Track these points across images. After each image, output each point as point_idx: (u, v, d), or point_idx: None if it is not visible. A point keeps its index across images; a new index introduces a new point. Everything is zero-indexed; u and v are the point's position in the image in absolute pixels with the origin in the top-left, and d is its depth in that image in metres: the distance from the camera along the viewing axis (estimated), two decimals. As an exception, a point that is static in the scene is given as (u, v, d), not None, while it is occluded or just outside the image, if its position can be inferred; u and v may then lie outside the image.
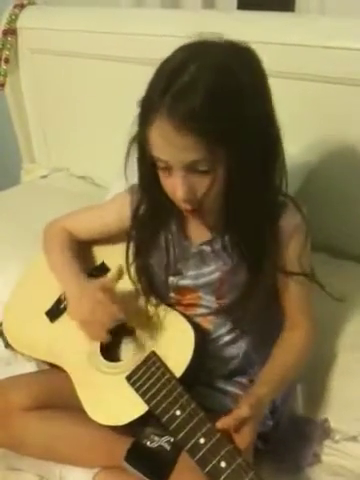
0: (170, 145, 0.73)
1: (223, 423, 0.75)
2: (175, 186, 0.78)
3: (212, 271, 0.90)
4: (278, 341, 0.92)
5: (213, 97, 0.70)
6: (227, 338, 0.94)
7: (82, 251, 1.06)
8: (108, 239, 1.05)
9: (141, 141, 0.79)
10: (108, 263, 1.05)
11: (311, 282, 0.90)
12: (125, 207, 0.96)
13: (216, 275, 0.90)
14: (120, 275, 0.99)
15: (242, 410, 0.76)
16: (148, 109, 0.74)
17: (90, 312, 0.89)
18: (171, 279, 0.93)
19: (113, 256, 1.01)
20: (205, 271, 0.91)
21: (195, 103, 0.70)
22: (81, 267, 1.00)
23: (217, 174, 0.76)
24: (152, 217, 0.91)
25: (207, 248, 0.90)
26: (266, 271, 0.85)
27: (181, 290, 0.93)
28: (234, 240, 0.86)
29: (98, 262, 1.07)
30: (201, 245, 0.90)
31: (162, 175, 0.80)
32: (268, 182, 0.83)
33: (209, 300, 0.92)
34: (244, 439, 0.76)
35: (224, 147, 0.74)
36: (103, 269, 1.05)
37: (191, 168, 0.75)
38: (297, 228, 0.87)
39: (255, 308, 0.87)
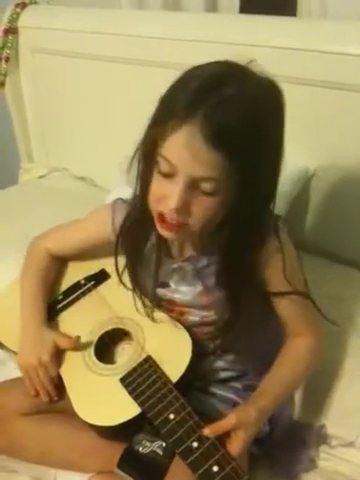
0: (190, 154, 0.67)
1: (210, 430, 0.75)
2: (171, 193, 0.71)
3: (195, 289, 0.88)
4: (283, 349, 0.89)
5: (249, 120, 0.68)
6: (218, 351, 0.93)
7: (79, 259, 1.06)
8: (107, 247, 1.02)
9: (154, 138, 0.72)
10: (109, 270, 1.03)
11: (306, 300, 0.87)
12: (106, 223, 0.94)
13: (199, 292, 0.88)
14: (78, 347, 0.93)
15: (226, 420, 0.76)
16: (177, 110, 0.68)
17: (33, 369, 0.92)
18: (158, 290, 0.92)
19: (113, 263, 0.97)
20: (189, 288, 0.89)
21: (233, 119, 0.66)
22: (45, 306, 0.98)
23: (217, 201, 0.72)
24: (138, 225, 0.87)
25: (188, 266, 0.88)
26: (244, 297, 0.83)
27: (170, 302, 0.93)
28: (220, 263, 0.83)
29: (97, 268, 1.05)
30: (183, 261, 0.88)
31: (158, 177, 0.74)
32: (265, 216, 0.80)
33: (197, 315, 0.90)
34: (234, 448, 0.75)
35: (240, 175, 0.70)
36: (103, 276, 1.04)
37: (195, 184, 0.70)
38: (273, 253, 0.82)
39: (238, 329, 0.85)
